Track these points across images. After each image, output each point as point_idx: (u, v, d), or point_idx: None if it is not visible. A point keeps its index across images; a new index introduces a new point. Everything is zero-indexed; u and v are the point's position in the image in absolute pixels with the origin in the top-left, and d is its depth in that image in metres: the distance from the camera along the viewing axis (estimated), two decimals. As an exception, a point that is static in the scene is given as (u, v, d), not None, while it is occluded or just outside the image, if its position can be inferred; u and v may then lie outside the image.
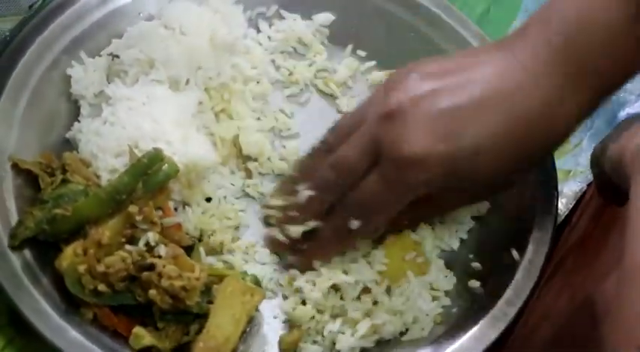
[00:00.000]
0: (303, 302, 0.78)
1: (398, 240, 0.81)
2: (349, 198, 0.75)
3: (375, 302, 0.78)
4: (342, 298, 0.78)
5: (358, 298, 0.78)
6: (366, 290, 0.78)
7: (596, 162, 0.71)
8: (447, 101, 0.70)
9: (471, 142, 0.70)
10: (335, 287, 0.78)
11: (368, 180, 0.73)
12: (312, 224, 0.77)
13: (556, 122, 0.71)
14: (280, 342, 0.77)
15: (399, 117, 0.70)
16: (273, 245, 0.81)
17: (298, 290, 0.78)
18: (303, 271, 0.79)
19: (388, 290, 0.79)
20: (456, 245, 0.84)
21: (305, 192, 0.77)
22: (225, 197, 0.83)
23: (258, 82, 0.89)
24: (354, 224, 0.75)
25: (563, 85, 0.70)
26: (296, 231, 0.78)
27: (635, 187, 0.59)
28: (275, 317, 0.79)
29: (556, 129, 0.72)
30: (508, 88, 0.70)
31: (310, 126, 0.88)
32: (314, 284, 0.78)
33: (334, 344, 0.76)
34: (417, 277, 0.79)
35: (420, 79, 0.72)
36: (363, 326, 0.76)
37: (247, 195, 0.84)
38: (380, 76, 0.92)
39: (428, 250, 0.82)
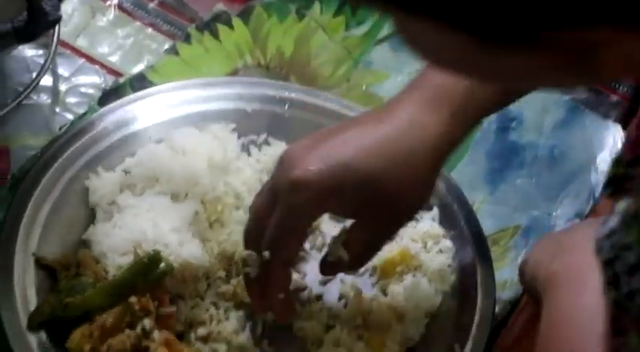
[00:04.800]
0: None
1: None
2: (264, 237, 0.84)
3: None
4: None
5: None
6: None
7: (521, 273, 0.87)
8: (324, 142, 0.82)
9: (340, 159, 0.80)
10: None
11: (272, 216, 0.83)
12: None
13: (423, 137, 0.80)
14: None
15: (291, 162, 0.82)
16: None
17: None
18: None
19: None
20: (418, 337, 0.95)
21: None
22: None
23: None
24: (265, 254, 0.83)
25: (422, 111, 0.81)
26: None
27: (546, 309, 0.73)
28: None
29: (424, 142, 0.80)
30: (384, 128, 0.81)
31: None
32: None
33: None
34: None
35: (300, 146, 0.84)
36: None
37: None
38: None
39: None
